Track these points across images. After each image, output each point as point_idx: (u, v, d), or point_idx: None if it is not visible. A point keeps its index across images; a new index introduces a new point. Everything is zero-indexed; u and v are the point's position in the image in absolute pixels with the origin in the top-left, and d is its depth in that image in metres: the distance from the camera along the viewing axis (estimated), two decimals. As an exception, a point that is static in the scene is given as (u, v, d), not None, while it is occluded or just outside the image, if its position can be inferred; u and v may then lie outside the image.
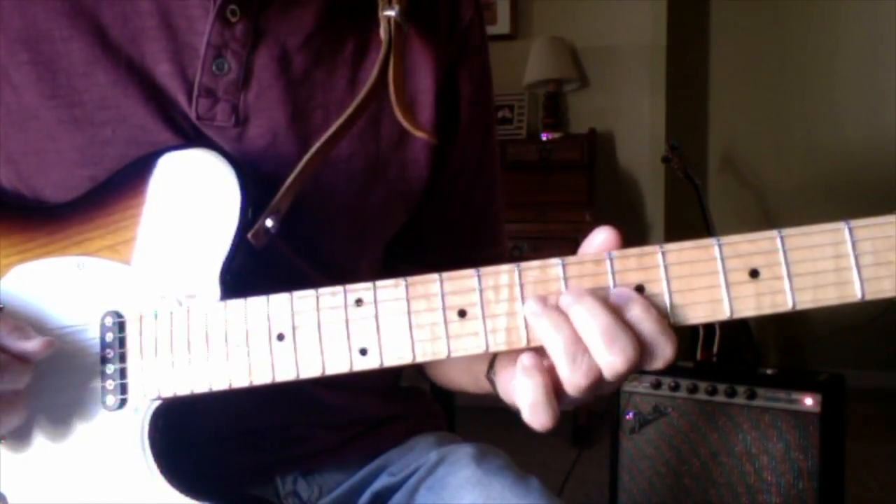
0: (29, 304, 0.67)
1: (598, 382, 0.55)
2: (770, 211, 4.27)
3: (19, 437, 0.66)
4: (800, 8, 4.21)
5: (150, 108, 0.71)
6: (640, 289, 0.55)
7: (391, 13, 0.72)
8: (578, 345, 0.54)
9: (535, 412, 0.56)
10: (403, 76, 0.72)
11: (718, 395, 1.96)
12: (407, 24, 0.73)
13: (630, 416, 2.05)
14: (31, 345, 0.62)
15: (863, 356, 3.85)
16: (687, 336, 3.04)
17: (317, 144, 0.68)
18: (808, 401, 1.86)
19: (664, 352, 0.54)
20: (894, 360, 3.91)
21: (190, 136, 0.72)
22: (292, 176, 0.67)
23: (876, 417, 3.43)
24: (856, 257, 0.52)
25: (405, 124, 0.69)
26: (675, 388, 2.01)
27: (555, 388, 0.56)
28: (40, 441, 0.66)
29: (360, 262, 0.81)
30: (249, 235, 0.65)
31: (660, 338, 0.54)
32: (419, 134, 0.70)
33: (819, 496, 1.84)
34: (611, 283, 0.55)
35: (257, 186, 0.67)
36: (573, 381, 0.54)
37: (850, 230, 0.52)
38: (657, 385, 2.03)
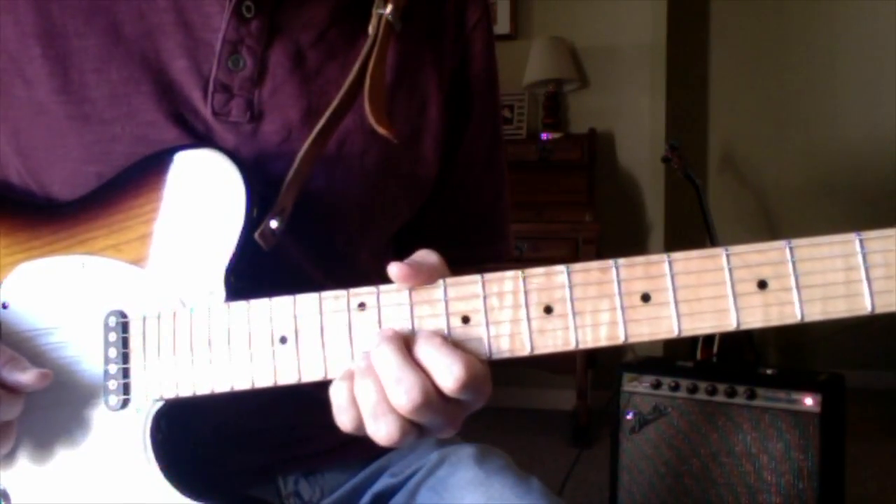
0: (32, 302, 0.67)
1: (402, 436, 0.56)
2: (770, 211, 4.28)
3: (21, 437, 0.66)
4: (800, 8, 4.21)
5: (161, 106, 0.71)
6: (645, 297, 0.54)
7: (383, 11, 0.73)
8: (379, 406, 0.56)
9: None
10: (383, 74, 0.72)
11: (718, 395, 1.96)
12: (399, 22, 0.74)
13: (630, 416, 2.05)
14: (26, 377, 0.62)
15: (863, 356, 3.86)
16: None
17: (307, 143, 0.69)
18: (808, 401, 1.86)
19: (446, 378, 0.54)
20: (894, 360, 3.91)
21: (200, 135, 0.72)
22: (290, 174, 0.68)
23: (876, 417, 3.43)
24: (866, 269, 0.50)
25: (371, 121, 0.69)
26: (675, 388, 2.01)
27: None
28: (42, 440, 0.66)
29: (360, 254, 0.80)
30: (256, 235, 0.65)
31: (441, 362, 0.54)
32: (382, 131, 0.70)
33: (819, 496, 1.84)
34: (616, 292, 0.55)
35: (269, 184, 0.67)
36: (375, 436, 0.57)
37: (861, 242, 0.51)
38: (657, 385, 2.03)
